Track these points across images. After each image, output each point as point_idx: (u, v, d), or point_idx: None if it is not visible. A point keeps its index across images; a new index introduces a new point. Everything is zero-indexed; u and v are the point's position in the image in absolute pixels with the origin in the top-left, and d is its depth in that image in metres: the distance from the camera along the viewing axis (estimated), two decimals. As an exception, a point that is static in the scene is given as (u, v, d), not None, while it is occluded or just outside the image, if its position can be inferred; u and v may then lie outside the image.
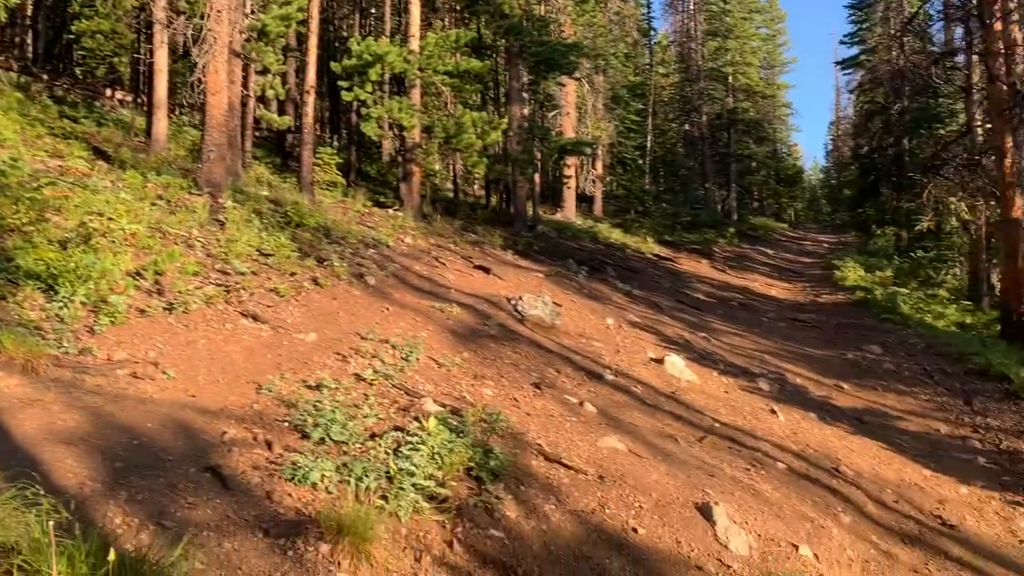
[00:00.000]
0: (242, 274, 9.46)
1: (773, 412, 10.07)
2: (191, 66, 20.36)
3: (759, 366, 12.77)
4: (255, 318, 8.20)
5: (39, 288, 6.85)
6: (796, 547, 6.38)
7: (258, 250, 10.67)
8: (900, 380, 13.12)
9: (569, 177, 27.21)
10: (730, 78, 43.75)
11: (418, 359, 8.37)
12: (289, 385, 6.52)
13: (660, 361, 11.26)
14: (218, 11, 12.94)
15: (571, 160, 27.62)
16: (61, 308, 6.61)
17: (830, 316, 19.25)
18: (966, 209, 21.72)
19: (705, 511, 6.46)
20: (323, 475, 5.03)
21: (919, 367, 13.96)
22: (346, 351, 7.88)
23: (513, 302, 12.47)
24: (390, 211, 18.44)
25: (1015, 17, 16.69)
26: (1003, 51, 16.21)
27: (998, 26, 16.17)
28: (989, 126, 18.12)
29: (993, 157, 17.15)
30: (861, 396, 12.03)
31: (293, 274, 10.25)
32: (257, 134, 23.29)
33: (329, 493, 4.94)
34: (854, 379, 12.98)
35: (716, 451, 8.23)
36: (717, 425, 9.15)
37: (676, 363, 11.16)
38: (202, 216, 11.30)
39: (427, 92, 19.98)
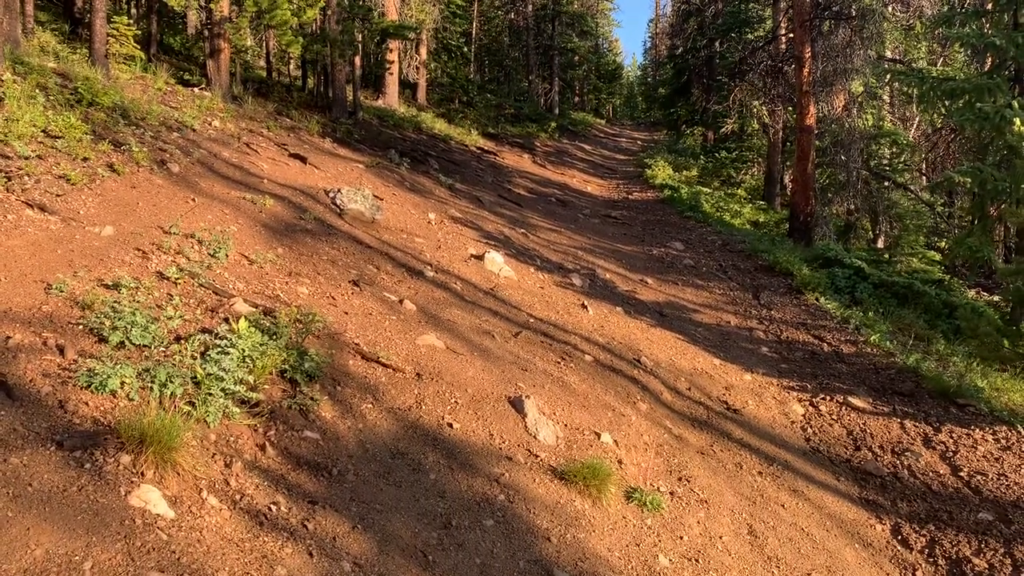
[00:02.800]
0: (26, 158, 8.53)
1: (584, 307, 10.59)
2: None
3: (573, 262, 13.30)
4: (42, 209, 7.47)
5: None
6: (598, 435, 6.86)
7: (44, 131, 9.62)
8: (698, 275, 14.13)
9: (392, 63, 26.30)
10: (556, -32, 43.41)
11: (227, 256, 8.01)
12: (83, 284, 6.06)
13: (480, 258, 11.44)
14: None
15: (394, 44, 26.64)
16: None
17: (640, 213, 20.24)
18: (767, 113, 23.19)
19: (517, 404, 6.78)
20: (123, 382, 4.78)
21: (715, 263, 15.07)
22: (147, 247, 7.40)
23: (332, 195, 12.13)
24: (196, 90, 17.11)
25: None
26: (808, -37, 17.08)
27: (805, -62, 16.95)
28: (792, 35, 19.21)
29: (793, 66, 18.28)
30: (663, 290, 12.87)
31: (86, 159, 9.37)
32: (38, -6, 20.65)
33: (130, 400, 4.72)
34: (658, 274, 13.84)
35: (530, 346, 8.58)
36: (532, 320, 9.51)
37: (496, 259, 11.39)
38: (-28, 90, 9.99)
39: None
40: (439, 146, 23.50)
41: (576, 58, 46.81)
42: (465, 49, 38.92)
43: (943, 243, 20.73)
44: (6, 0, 13.01)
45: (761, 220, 21.14)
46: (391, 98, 27.72)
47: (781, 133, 23.78)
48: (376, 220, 11.99)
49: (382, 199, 13.26)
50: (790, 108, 21.41)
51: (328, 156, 15.80)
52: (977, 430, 8.24)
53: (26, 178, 8.08)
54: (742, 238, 17.26)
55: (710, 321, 11.64)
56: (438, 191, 16.48)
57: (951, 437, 8.13)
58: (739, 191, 24.85)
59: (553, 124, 37.12)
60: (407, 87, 32.15)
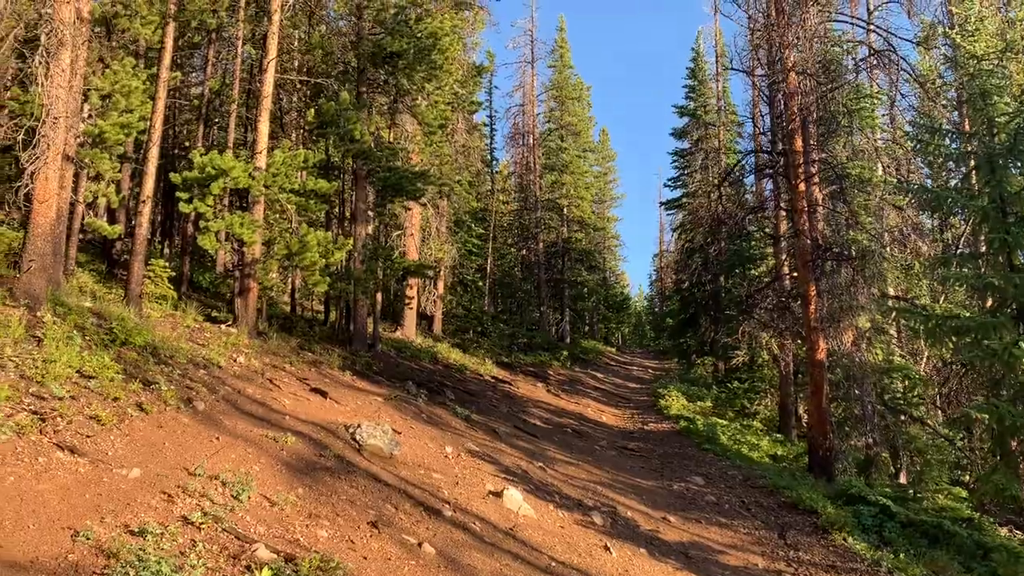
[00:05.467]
0: (60, 399, 8.78)
1: (606, 548, 10.30)
2: (15, 163, 19.25)
3: (592, 498, 13.08)
4: (72, 451, 7.59)
5: None
6: None
7: (79, 371, 9.97)
8: (721, 513, 13.81)
9: (411, 298, 27.44)
10: (565, 209, 46.32)
11: (250, 497, 8.00)
12: (109, 531, 6.04)
13: (499, 495, 11.31)
14: (55, 118, 12.44)
15: (414, 281, 27.94)
16: None
17: (657, 445, 20.12)
18: (776, 346, 23.68)
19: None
20: (145, 640, 4.67)
21: (738, 500, 14.77)
22: (173, 489, 7.42)
23: (351, 430, 12.24)
24: (223, 327, 17.78)
25: (816, 179, 18.92)
26: (806, 208, 18.25)
27: (802, 187, 18.25)
28: (796, 274, 20.10)
29: (799, 302, 18.96)
30: (687, 529, 12.55)
31: (116, 399, 9.62)
32: (82, 236, 22.04)
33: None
34: (680, 511, 13.54)
35: (553, 593, 8.28)
36: (554, 564, 9.24)
37: (514, 497, 11.25)
38: (17, 332, 10.46)
39: (271, 208, 19.80)
40: (455, 376, 23.89)
41: (585, 290, 48.65)
42: (480, 283, 40.64)
43: (967, 478, 20.35)
44: (55, 248, 13.92)
45: (779, 453, 20.94)
46: (409, 330, 28.58)
47: (792, 365, 24.15)
48: (394, 455, 11.99)
49: (400, 433, 13.33)
50: (799, 341, 21.90)
51: (348, 389, 16.08)
52: None
53: (59, 419, 8.28)
54: (762, 473, 17.03)
55: (737, 563, 11.24)
56: (455, 423, 16.56)
57: None
58: (755, 422, 24.82)
59: (565, 353, 37.85)
60: (424, 319, 33.22)
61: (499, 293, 47.21)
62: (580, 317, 52.12)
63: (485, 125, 47.05)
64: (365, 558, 7.56)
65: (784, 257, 23.72)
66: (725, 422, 23.68)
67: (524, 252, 46.93)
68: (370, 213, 23.55)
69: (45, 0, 12.95)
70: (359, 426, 12.34)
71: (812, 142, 19.53)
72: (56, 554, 5.52)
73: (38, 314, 11.98)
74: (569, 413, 23.60)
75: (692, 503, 14.37)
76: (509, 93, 76.69)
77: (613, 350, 56.49)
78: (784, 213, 22.91)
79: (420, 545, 8.44)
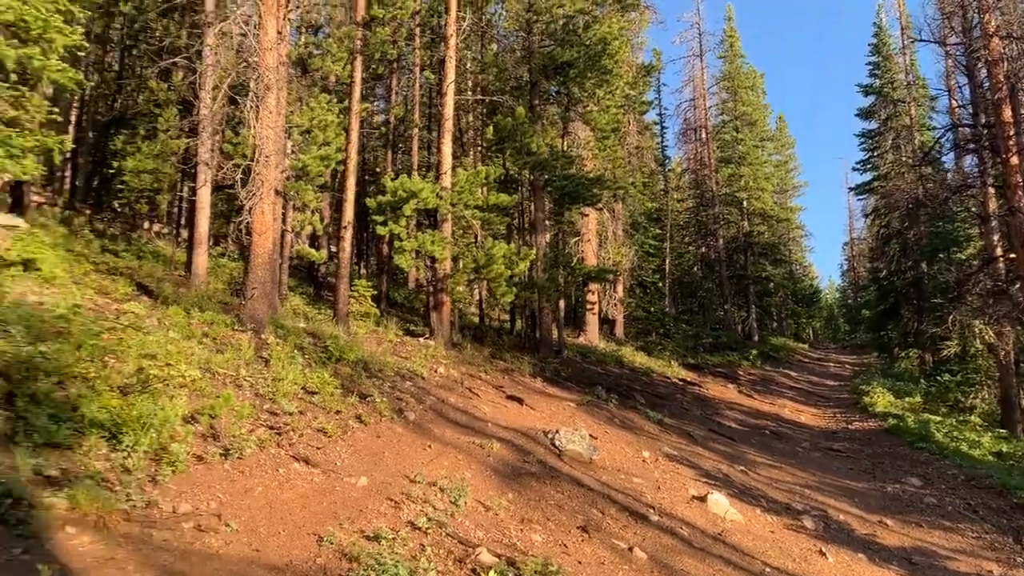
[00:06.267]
0: (290, 414, 9.61)
1: (822, 554, 9.89)
2: (228, 199, 21.18)
3: (801, 502, 12.59)
4: (306, 462, 8.28)
5: (103, 437, 7.00)
6: None
7: (303, 388, 10.85)
8: (944, 516, 12.86)
9: (593, 303, 27.57)
10: (744, 203, 44.83)
11: (466, 503, 8.38)
12: (348, 536, 6.54)
13: (703, 499, 11.15)
14: (267, 156, 13.62)
15: (594, 286, 28.06)
16: (125, 458, 6.74)
17: (864, 445, 19.02)
18: (992, 334, 21.73)
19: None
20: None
21: (962, 501, 13.70)
22: (397, 496, 7.91)
23: (550, 436, 12.49)
24: (421, 340, 18.69)
25: (1030, 150, 17.26)
26: (1022, 183, 16.68)
27: (1014, 160, 16.70)
28: (1012, 255, 18.41)
29: (1018, 286, 17.35)
30: (907, 533, 11.79)
31: (338, 412, 10.38)
32: (289, 262, 23.92)
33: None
34: (897, 514, 12.75)
35: (771, 599, 8.07)
36: (768, 570, 8.99)
37: (719, 501, 11.05)
38: (247, 354, 11.55)
39: (457, 224, 20.59)
40: (642, 379, 23.74)
41: (771, 285, 46.83)
42: (660, 284, 40.16)
43: None
44: (272, 273, 15.19)
45: (1004, 450, 19.14)
46: (592, 335, 28.73)
47: (1012, 354, 22.05)
48: (593, 460, 12.12)
49: (596, 438, 13.45)
50: (1019, 328, 20.01)
51: (541, 396, 16.41)
52: None
53: (291, 433, 9.05)
54: (987, 472, 15.67)
55: (968, 570, 10.43)
56: (648, 427, 16.47)
57: None
58: (972, 417, 22.84)
59: (754, 352, 36.60)
60: (605, 323, 33.27)
61: (679, 293, 46.41)
62: (767, 314, 50.23)
63: (655, 124, 46.51)
64: (580, 562, 7.70)
65: (996, 238, 21.74)
66: (938, 418, 21.97)
67: (703, 250, 45.88)
68: (548, 222, 23.93)
69: (252, 50, 14.21)
70: (557, 432, 12.58)
71: (1022, 111, 17.83)
72: (306, 558, 6.04)
73: (263, 336, 13.14)
74: (765, 414, 22.80)
75: (910, 505, 13.47)
76: (678, 89, 75.51)
77: (805, 346, 53.97)
78: (992, 190, 21.04)
79: (631, 550, 8.48)
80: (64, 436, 6.66)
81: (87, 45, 16.35)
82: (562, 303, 25.00)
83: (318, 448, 8.85)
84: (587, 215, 28.46)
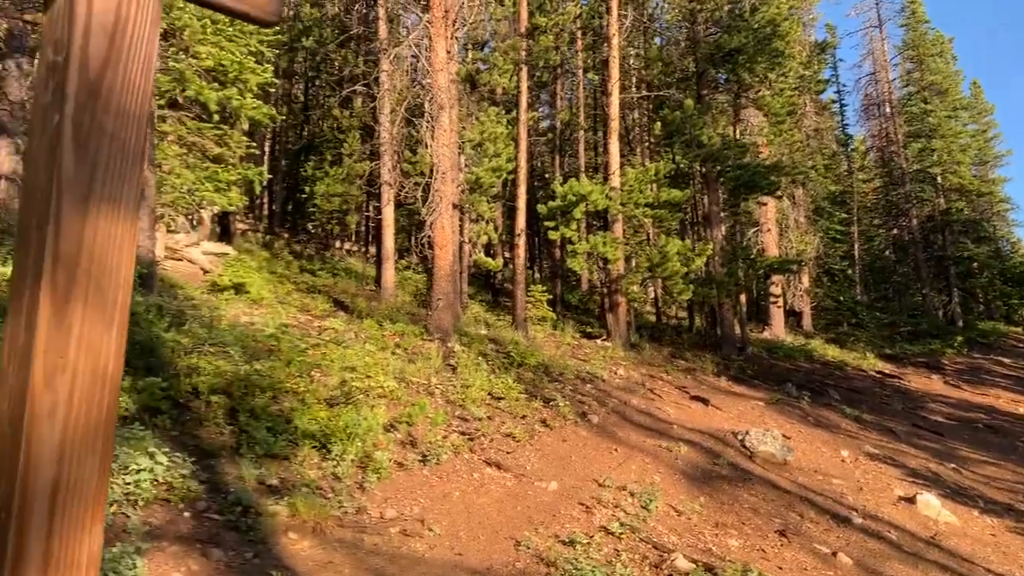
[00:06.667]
0: (480, 420, 9.94)
1: (1056, 561, 8.99)
2: (408, 214, 22.20)
3: (1026, 503, 11.51)
4: (498, 466, 8.54)
5: (314, 447, 7.56)
6: None
7: (490, 394, 11.19)
8: None
9: (777, 295, 26.50)
10: (939, 178, 41.46)
11: (657, 507, 8.32)
12: (544, 540, 6.69)
13: (911, 500, 10.44)
14: (443, 173, 14.17)
15: (776, 277, 26.98)
16: (335, 466, 7.25)
17: (1099, 439, 17.08)
18: None
19: None
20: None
21: None
22: (588, 500, 7.99)
23: (740, 437, 12.15)
24: (598, 342, 18.74)
25: None
26: None
27: None
28: None
29: None
30: None
31: (524, 417, 10.63)
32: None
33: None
34: None
35: (998, 611, 7.44)
36: (992, 577, 8.29)
37: (930, 502, 10.31)
38: (436, 362, 12.06)
39: (628, 224, 20.49)
40: (835, 374, 22.54)
41: (974, 265, 43.00)
42: (849, 271, 37.99)
43: None
44: (453, 284, 15.76)
45: None
46: (777, 328, 27.63)
47: None
48: (787, 461, 11.65)
49: (789, 438, 12.92)
50: None
51: (726, 395, 15.99)
52: None
53: (482, 438, 9.36)
54: None
55: None
56: (844, 424, 15.62)
57: None
58: None
59: (959, 338, 33.75)
60: (791, 315, 31.87)
61: (871, 280, 43.63)
62: (971, 296, 46.16)
63: (834, 102, 43.99)
64: (780, 568, 7.44)
65: None
66: None
67: (895, 232, 42.87)
68: (722, 214, 23.30)
69: (424, 72, 14.85)
70: (747, 432, 12.21)
71: None
72: (505, 562, 6.23)
73: (449, 345, 13.68)
74: (976, 406, 20.99)
75: None
76: (856, 64, 70.94)
77: (1019, 330, 49.13)
78: None
79: (834, 555, 8.09)
80: (281, 447, 7.25)
81: (276, 81, 17.72)
82: (743, 297, 24.22)
83: (508, 453, 9.09)
84: (765, 204, 27.42)
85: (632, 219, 20.33)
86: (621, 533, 7.17)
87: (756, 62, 20.83)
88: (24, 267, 1.37)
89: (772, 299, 26.44)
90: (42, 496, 1.34)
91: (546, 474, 8.64)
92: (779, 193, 24.69)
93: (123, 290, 1.44)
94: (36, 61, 13.77)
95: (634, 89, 25.29)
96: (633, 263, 20.57)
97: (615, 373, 15.69)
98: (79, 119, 1.36)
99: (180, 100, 14.10)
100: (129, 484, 5.51)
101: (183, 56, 13.40)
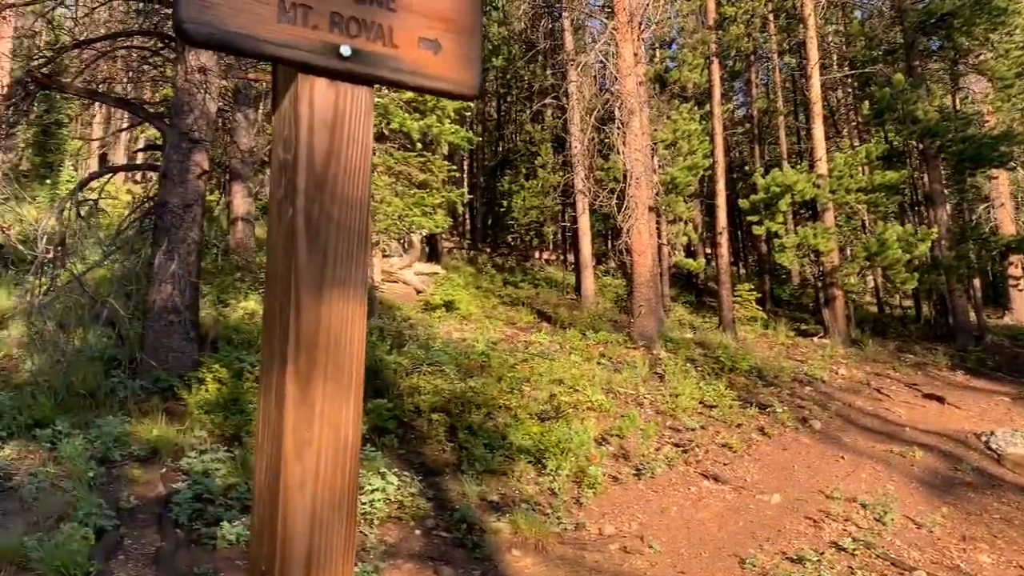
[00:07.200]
0: (692, 430, 9.73)
1: None
2: (604, 218, 22.22)
3: None
4: (715, 479, 8.30)
5: (529, 462, 7.73)
6: None
7: (700, 402, 10.92)
8: None
9: (1017, 277, 23.85)
10: None
11: (893, 519, 7.71)
12: (770, 558, 6.41)
13: None
14: (636, 178, 14.05)
15: (1015, 256, 24.30)
16: (552, 482, 7.36)
17: None
18: None
19: None
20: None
21: None
22: (815, 514, 7.57)
23: (984, 438, 11.03)
24: (815, 340, 17.77)
25: None
26: None
27: None
28: None
29: None
30: None
31: (739, 425, 10.27)
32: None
33: None
34: None
35: None
36: None
37: None
38: (642, 371, 11.96)
39: (840, 211, 19.30)
40: (1096, 361, 19.93)
41: None
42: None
43: None
44: (654, 289, 15.56)
45: None
46: (1020, 313, 24.86)
47: None
48: (1045, 465, 10.43)
49: (1045, 438, 11.56)
50: None
51: (964, 391, 14.59)
52: None
53: (696, 449, 9.14)
54: None
55: None
56: (1113, 420, 13.76)
57: None
58: None
59: None
60: (1036, 297, 28.57)
61: None
62: None
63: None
64: (1045, 589, 6.67)
65: None
66: None
67: None
68: (946, 192, 21.33)
69: (612, 78, 14.81)
70: (992, 433, 11.07)
71: None
72: (730, 580, 6.04)
73: (654, 352, 13.52)
74: None
75: None
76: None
77: None
78: None
79: (1113, 575, 7.13)
80: (498, 463, 7.48)
81: (471, 103, 18.38)
82: (977, 281, 22.03)
83: (725, 464, 8.82)
84: (996, 177, 24.76)
85: (844, 206, 19.10)
86: (854, 549, 6.72)
87: (974, 24, 18.91)
88: (271, 349, 1.50)
89: (1012, 281, 23.82)
90: (299, 561, 1.45)
91: (767, 486, 8.29)
92: (1012, 164, 22.22)
93: (357, 364, 1.54)
94: (259, 111, 15.20)
95: (835, 68, 23.79)
96: (848, 253, 19.35)
97: (836, 373, 14.79)
98: (309, 210, 1.46)
99: (386, 132, 14.96)
100: (364, 504, 5.89)
101: (386, 91, 14.24)
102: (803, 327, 19.28)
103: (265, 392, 1.52)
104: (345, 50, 1.46)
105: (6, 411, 6.76)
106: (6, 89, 10.28)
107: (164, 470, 6.34)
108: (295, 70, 1.45)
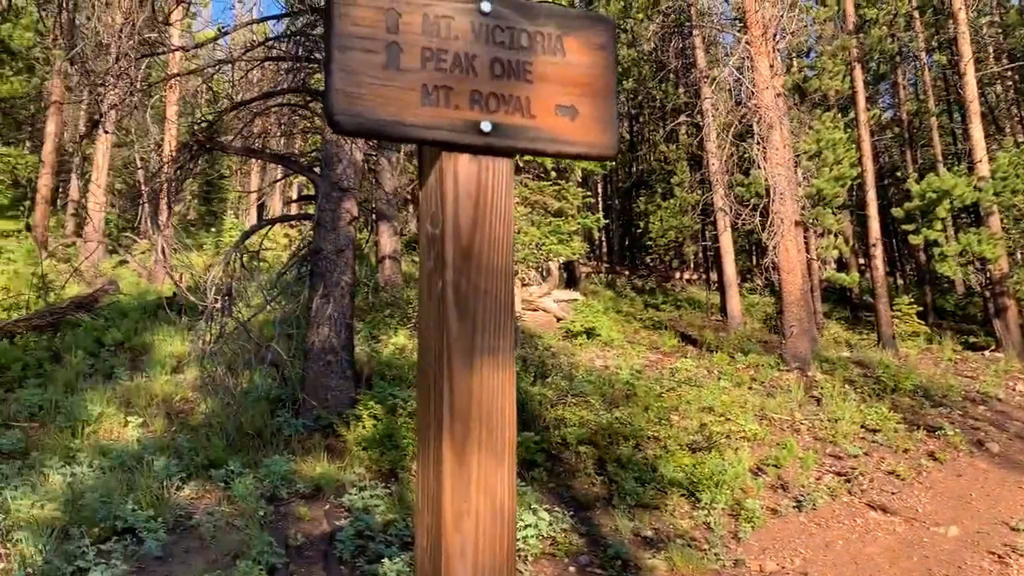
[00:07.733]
0: (855, 457, 9.21)
1: None
2: (746, 235, 21.57)
3: None
4: (883, 510, 7.80)
5: (682, 495, 7.53)
6: None
7: (862, 426, 10.33)
8: None
9: None
10: None
11: (1092, 554, 6.99)
12: (950, 598, 5.95)
13: None
14: (780, 193, 13.57)
15: None
16: (706, 515, 7.14)
17: None
18: None
19: None
20: None
21: None
22: (999, 548, 6.96)
23: None
24: (986, 354, 16.49)
25: None
26: None
27: None
28: None
29: None
30: None
31: (906, 450, 9.63)
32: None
33: None
34: None
35: None
36: None
37: None
38: (797, 395, 11.46)
39: (1006, 215, 17.87)
40: None
41: None
42: None
43: None
44: (805, 307, 14.92)
45: None
46: None
47: None
48: None
49: None
50: None
51: None
52: None
53: (860, 478, 8.63)
54: None
55: None
56: None
57: None
58: None
59: None
60: None
61: None
62: None
63: None
64: None
65: None
66: None
67: None
68: None
69: (748, 93, 14.42)
70: None
71: None
72: (907, 621, 5.63)
73: (808, 374, 12.94)
74: None
75: None
76: None
77: None
78: None
79: None
80: (650, 497, 7.34)
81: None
82: None
83: (892, 493, 8.28)
84: None
85: (1010, 209, 17.69)
86: (1048, 589, 6.13)
87: None
88: (427, 420, 1.54)
89: None
90: (463, 631, 1.47)
91: (942, 517, 7.70)
92: None
93: (509, 430, 1.55)
94: (401, 152, 15.79)
95: (992, 62, 22.18)
96: (1019, 258, 17.88)
97: (1013, 389, 13.65)
98: (457, 282, 1.49)
99: (520, 164, 15.19)
100: (518, 541, 5.92)
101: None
102: (971, 340, 17.92)
103: (423, 462, 1.56)
104: (486, 126, 1.49)
105: (185, 452, 7.28)
106: (174, 153, 11.21)
107: (328, 507, 6.62)
108: (439, 149, 1.50)
